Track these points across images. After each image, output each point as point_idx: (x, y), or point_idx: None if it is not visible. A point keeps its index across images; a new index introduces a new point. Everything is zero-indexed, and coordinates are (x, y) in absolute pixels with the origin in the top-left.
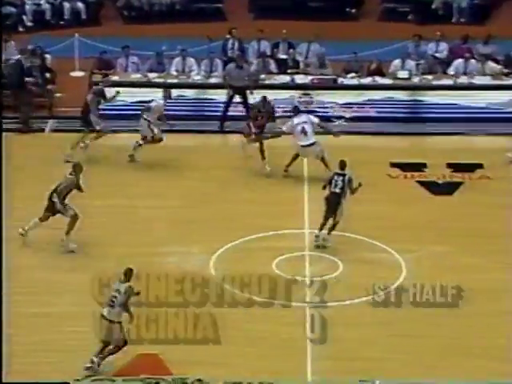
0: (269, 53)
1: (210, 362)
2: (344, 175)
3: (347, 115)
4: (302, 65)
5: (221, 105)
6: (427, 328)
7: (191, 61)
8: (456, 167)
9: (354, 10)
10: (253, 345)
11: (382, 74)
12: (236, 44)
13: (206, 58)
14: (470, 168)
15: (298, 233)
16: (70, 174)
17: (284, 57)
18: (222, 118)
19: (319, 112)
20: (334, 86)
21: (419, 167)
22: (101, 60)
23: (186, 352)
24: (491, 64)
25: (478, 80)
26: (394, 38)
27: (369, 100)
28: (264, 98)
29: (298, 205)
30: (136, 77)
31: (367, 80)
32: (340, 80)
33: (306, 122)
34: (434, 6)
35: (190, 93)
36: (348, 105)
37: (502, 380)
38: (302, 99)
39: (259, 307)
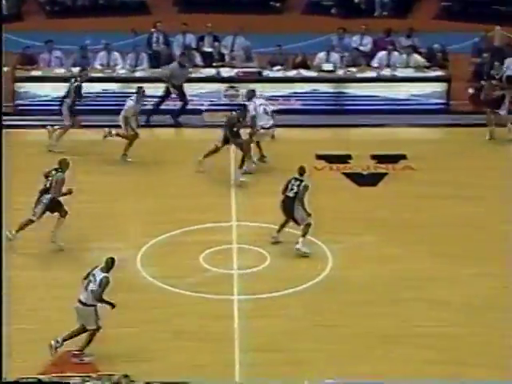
0: (194, 46)
1: (136, 357)
2: (301, 181)
3: (273, 108)
4: (227, 58)
5: (149, 99)
6: (354, 318)
7: (116, 55)
8: (380, 158)
9: (278, 4)
10: (180, 338)
11: (307, 67)
12: (161, 37)
13: (131, 52)
14: (394, 159)
15: (225, 226)
16: (57, 170)
17: (209, 50)
18: (153, 111)
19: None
20: (260, 79)
21: (344, 159)
22: (24, 55)
23: (111, 348)
24: (416, 56)
25: (401, 72)
26: (318, 31)
27: (294, 92)
28: (245, 106)
29: (224, 198)
30: (60, 72)
31: (292, 73)
32: (265, 73)
33: (266, 104)
34: (356, 0)
35: (114, 87)
36: (273, 97)
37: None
38: (228, 92)
39: (187, 301)
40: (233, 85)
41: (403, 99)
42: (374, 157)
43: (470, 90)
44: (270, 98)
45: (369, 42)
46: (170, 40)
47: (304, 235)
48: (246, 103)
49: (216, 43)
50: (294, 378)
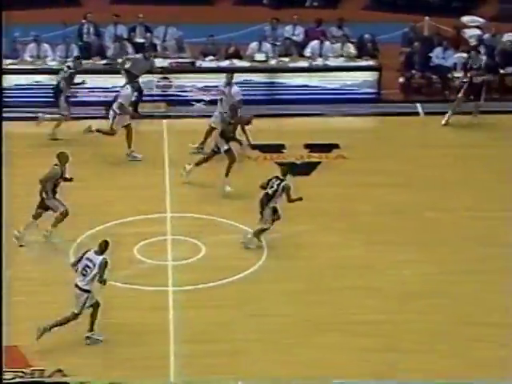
0: (126, 37)
1: (70, 351)
2: (282, 181)
3: (206, 98)
4: (159, 48)
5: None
6: (290, 307)
7: (45, 46)
8: (313, 148)
9: None
10: (115, 331)
11: (240, 57)
12: (91, 29)
13: (62, 44)
14: (327, 148)
15: (159, 217)
16: (56, 164)
17: (141, 41)
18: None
19: (179, 96)
20: (193, 70)
21: (278, 149)
22: None
23: (44, 342)
24: (347, 46)
25: (333, 62)
26: (250, 21)
27: None
28: (233, 106)
29: (158, 189)
30: None
31: (225, 63)
32: (198, 63)
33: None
34: None
35: (45, 78)
36: (207, 88)
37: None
38: (161, 83)
39: (121, 293)
40: (166, 75)
41: (335, 88)
42: (307, 146)
43: (401, 79)
44: (204, 89)
45: (301, 32)
46: (100, 31)
47: (258, 235)
48: (227, 89)
49: (148, 34)
50: (230, 368)
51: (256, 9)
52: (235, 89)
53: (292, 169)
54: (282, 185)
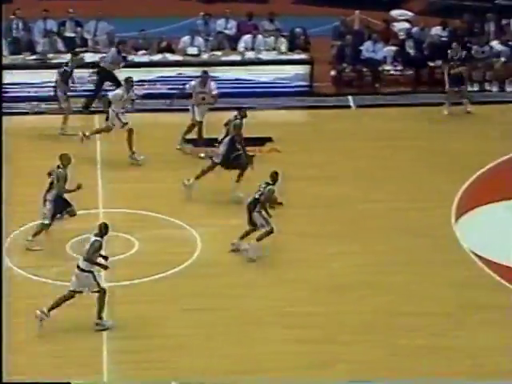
0: (55, 31)
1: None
2: (268, 184)
3: (139, 92)
4: (90, 43)
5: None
6: (225, 301)
7: None
8: (246, 141)
9: None
10: (48, 328)
11: (172, 51)
12: (20, 24)
13: None
14: (260, 141)
15: (92, 213)
16: (58, 167)
17: (72, 35)
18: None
19: (111, 90)
20: (125, 64)
21: (211, 142)
22: None
23: None
24: (279, 40)
25: (265, 55)
26: (182, 15)
27: (160, 77)
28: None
29: (91, 185)
30: None
31: (157, 57)
32: (130, 57)
33: None
34: None
35: None
36: (139, 82)
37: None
38: (92, 77)
39: (54, 290)
40: (95, 70)
41: (268, 82)
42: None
43: (332, 73)
44: (136, 83)
45: (233, 26)
46: (30, 26)
47: (259, 240)
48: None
49: (78, 28)
50: (164, 363)
51: (188, 3)
52: (213, 85)
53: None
54: (268, 188)
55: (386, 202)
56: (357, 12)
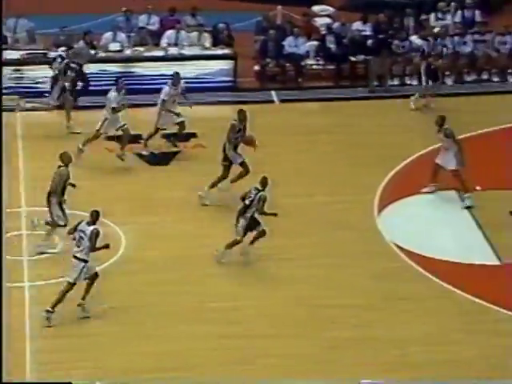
0: None
1: None
2: (259, 191)
3: None
4: (10, 40)
5: None
6: (150, 298)
7: None
8: (172, 137)
9: None
10: None
11: (94, 47)
12: None
13: None
14: (185, 137)
15: (13, 212)
16: (59, 166)
17: None
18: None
19: (31, 88)
20: (45, 61)
21: (135, 139)
22: None
23: None
24: (203, 35)
25: (189, 51)
26: (103, 11)
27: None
28: (240, 110)
29: (13, 183)
30: None
31: None
32: (51, 54)
33: None
34: None
35: None
36: None
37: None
38: (14, 75)
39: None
40: (17, 68)
41: (191, 77)
42: (164, 136)
43: (256, 68)
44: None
45: (156, 22)
46: None
47: (228, 247)
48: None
49: None
50: (88, 362)
51: None
52: (182, 83)
53: (150, 159)
54: (259, 195)
55: (307, 196)
56: (279, 7)
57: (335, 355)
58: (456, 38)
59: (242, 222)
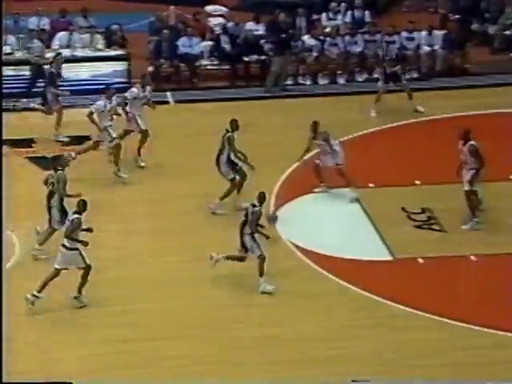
0: None
1: None
2: (254, 206)
3: None
4: None
5: None
6: (43, 304)
7: None
8: (71, 139)
9: None
10: None
11: None
12: None
13: None
14: (79, 140)
15: None
16: (56, 170)
17: None
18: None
19: None
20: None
21: (27, 143)
22: None
23: None
24: (95, 36)
25: (82, 52)
26: None
27: None
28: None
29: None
30: None
31: None
32: None
33: None
34: None
35: None
36: None
37: None
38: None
39: None
40: None
41: (85, 79)
42: (57, 140)
43: (150, 68)
44: None
45: (46, 23)
46: None
47: (261, 273)
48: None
49: None
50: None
51: None
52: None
53: (48, 163)
54: (254, 210)
55: (207, 197)
56: (171, 7)
57: (240, 355)
58: (347, 38)
59: (248, 238)
